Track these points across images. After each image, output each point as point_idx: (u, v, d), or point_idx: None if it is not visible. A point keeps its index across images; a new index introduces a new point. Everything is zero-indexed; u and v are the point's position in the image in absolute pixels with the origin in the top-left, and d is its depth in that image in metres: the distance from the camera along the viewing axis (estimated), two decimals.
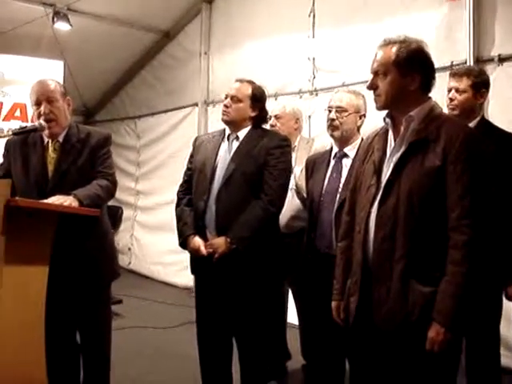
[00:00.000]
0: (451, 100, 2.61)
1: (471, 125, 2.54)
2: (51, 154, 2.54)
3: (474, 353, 2.50)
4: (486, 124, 2.62)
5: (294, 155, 3.25)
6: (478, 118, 2.60)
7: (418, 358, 1.74)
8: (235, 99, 2.68)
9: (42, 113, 2.48)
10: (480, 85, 2.59)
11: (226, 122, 2.72)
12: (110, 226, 2.78)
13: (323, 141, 3.25)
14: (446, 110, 2.50)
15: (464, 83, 2.58)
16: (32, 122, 5.17)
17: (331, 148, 2.78)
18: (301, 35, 4.72)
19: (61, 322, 2.52)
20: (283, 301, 3.49)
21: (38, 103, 2.50)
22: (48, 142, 2.56)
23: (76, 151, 2.53)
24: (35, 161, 2.53)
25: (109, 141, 2.64)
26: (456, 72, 2.67)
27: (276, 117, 3.35)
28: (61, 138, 2.55)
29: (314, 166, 2.81)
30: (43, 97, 2.49)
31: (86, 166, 2.52)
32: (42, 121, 2.48)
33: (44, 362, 2.17)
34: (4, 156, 2.64)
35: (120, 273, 2.77)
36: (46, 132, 2.52)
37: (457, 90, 2.59)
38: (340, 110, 2.68)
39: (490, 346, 2.53)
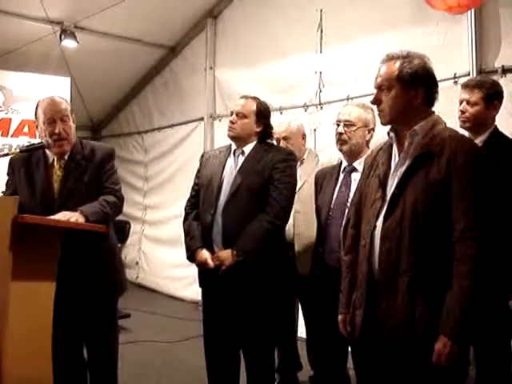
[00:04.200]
0: (462, 112, 2.55)
1: (483, 137, 2.51)
2: (57, 172, 2.54)
3: (484, 365, 2.46)
4: (498, 136, 2.54)
5: (301, 168, 3.24)
6: (490, 130, 2.53)
7: (425, 370, 1.73)
8: (240, 115, 2.71)
9: (56, 132, 2.48)
10: (492, 96, 2.53)
11: (232, 138, 2.75)
12: (116, 240, 2.79)
13: (330, 154, 3.24)
14: (455, 122, 2.47)
15: (476, 95, 2.52)
16: (40, 138, 5.26)
17: (341, 162, 2.76)
18: (308, 50, 4.73)
19: (68, 337, 2.52)
20: (294, 313, 3.48)
21: (51, 121, 2.48)
22: (53, 160, 2.56)
23: (81, 168, 2.53)
24: (40, 179, 2.53)
25: (113, 155, 2.65)
26: (467, 84, 2.61)
27: (285, 138, 3.29)
28: (66, 156, 2.55)
29: (324, 180, 2.79)
30: (57, 115, 2.49)
31: (92, 183, 2.53)
32: (49, 139, 2.47)
33: (51, 378, 2.17)
34: (8, 174, 2.64)
35: (127, 287, 2.78)
36: (55, 150, 2.52)
37: (468, 102, 2.54)
38: (348, 124, 2.66)
39: (501, 359, 2.47)
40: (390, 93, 1.83)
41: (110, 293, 2.61)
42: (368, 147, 2.70)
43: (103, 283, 2.54)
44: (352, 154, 2.68)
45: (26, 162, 2.58)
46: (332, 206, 2.66)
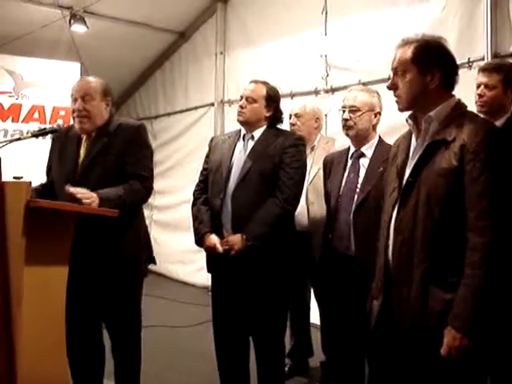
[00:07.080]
0: (480, 96, 2.52)
1: (500, 122, 2.47)
2: (83, 149, 2.57)
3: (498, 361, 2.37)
4: None
5: (312, 155, 3.25)
6: (507, 115, 2.49)
7: (437, 363, 1.69)
8: (250, 100, 2.70)
9: (73, 108, 2.53)
10: (511, 80, 2.50)
11: (242, 123, 2.75)
12: (144, 224, 2.78)
13: (342, 140, 3.21)
14: (470, 107, 2.42)
15: (494, 78, 2.49)
16: (50, 123, 5.27)
17: (349, 147, 2.74)
18: (314, 33, 4.69)
19: (87, 321, 2.57)
20: (306, 299, 3.50)
21: (73, 99, 2.54)
22: (84, 137, 2.59)
23: (105, 145, 2.52)
24: (69, 154, 2.58)
25: (139, 131, 2.59)
26: (486, 67, 2.58)
27: (296, 115, 3.35)
28: (94, 134, 2.57)
29: (332, 166, 2.77)
30: (79, 93, 2.53)
31: (115, 159, 2.50)
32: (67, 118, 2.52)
33: (66, 362, 2.19)
34: (50, 151, 2.73)
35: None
36: (76, 127, 2.55)
37: (486, 86, 2.51)
38: (354, 109, 2.63)
39: None
40: (406, 77, 1.78)
41: (138, 277, 2.63)
42: (375, 131, 2.69)
43: (132, 267, 2.56)
44: (359, 139, 2.66)
45: (63, 139, 2.64)
46: (341, 193, 2.64)
